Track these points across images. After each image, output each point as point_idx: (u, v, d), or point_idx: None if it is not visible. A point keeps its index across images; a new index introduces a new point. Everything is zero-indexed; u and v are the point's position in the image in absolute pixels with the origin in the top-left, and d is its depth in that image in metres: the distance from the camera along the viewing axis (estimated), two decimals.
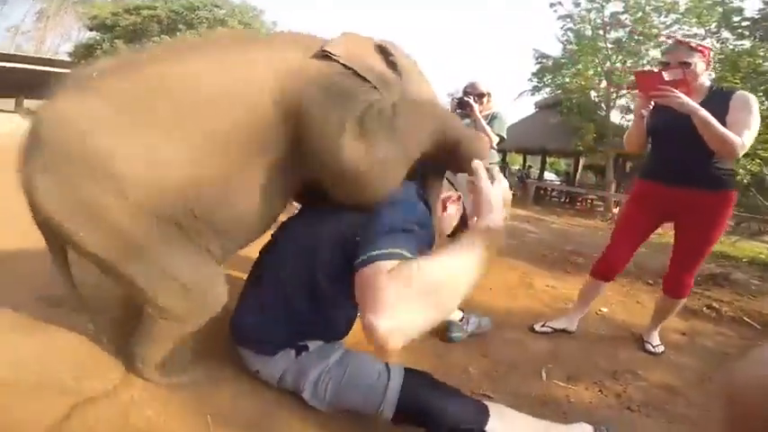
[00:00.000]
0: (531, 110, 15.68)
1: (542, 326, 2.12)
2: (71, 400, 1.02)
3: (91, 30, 11.82)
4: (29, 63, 11.61)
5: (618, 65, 11.44)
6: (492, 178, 0.96)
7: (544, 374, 1.74)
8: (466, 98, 2.62)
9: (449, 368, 1.67)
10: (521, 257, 3.77)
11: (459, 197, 1.29)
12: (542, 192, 13.39)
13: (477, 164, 0.95)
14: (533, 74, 13.36)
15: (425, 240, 0.97)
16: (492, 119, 2.69)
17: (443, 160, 1.15)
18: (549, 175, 17.54)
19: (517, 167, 16.45)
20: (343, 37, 1.12)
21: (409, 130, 1.01)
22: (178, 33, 11.25)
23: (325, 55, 1.02)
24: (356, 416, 1.13)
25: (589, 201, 12.99)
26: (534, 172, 17.72)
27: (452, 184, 1.33)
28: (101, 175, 0.87)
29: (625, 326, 2.37)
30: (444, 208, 1.29)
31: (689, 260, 1.91)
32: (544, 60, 13.01)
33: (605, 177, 12.37)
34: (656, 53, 11.02)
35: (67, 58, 12.00)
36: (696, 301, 2.95)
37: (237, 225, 1.04)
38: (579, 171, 16.43)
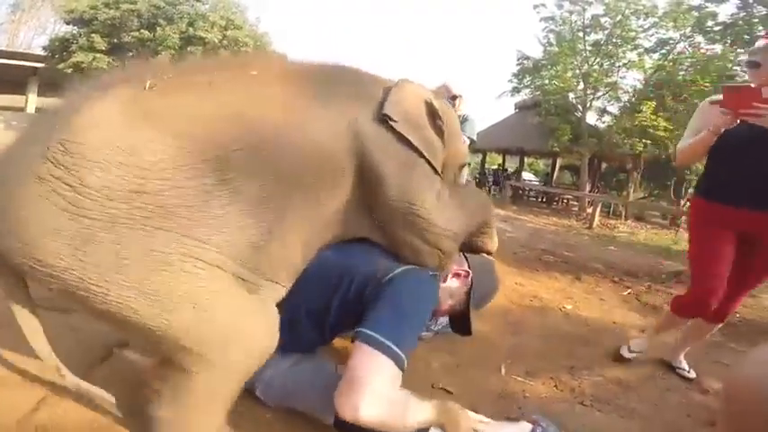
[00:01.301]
0: (511, 110, 15.92)
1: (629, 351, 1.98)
2: (40, 393, 1.05)
3: (68, 23, 11.44)
4: (2, 57, 11.24)
5: (595, 67, 11.72)
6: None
7: (503, 370, 1.81)
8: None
9: (412, 362, 1.70)
10: (492, 255, 3.86)
11: (468, 274, 1.27)
12: (520, 191, 13.65)
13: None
14: (514, 74, 13.59)
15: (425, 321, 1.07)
16: (463, 122, 2.77)
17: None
18: (527, 176, 17.86)
19: (495, 167, 16.71)
20: (400, 93, 1.12)
21: (469, 213, 1.21)
22: (158, 29, 11.02)
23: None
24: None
25: (565, 200, 13.33)
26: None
27: (466, 259, 1.34)
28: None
29: (586, 323, 2.48)
30: (445, 279, 1.28)
31: (747, 287, 1.73)
32: (525, 62, 13.23)
33: (580, 178, 12.71)
34: (632, 55, 11.44)
35: (42, 53, 11.59)
36: (656, 297, 3.10)
37: (289, 266, 1.00)
38: (556, 171, 16.84)
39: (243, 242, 0.85)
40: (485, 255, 1.46)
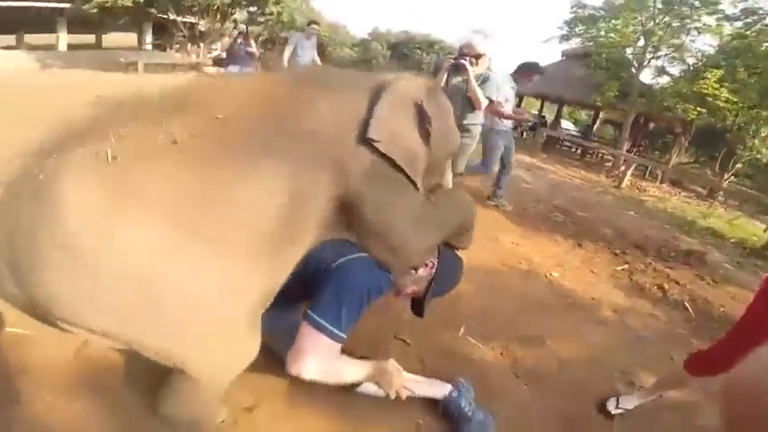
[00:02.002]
0: (557, 58, 14.66)
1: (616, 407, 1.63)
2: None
3: None
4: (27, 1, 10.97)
5: (661, 25, 10.51)
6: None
7: (462, 330, 1.88)
8: (462, 61, 2.58)
9: (384, 311, 1.81)
10: (500, 208, 3.82)
11: (434, 265, 1.35)
12: (555, 140, 12.94)
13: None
14: (566, 22, 12.51)
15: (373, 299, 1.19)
16: (484, 81, 2.67)
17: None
18: (566, 124, 16.70)
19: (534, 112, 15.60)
20: (387, 103, 1.11)
21: (446, 223, 1.28)
22: None
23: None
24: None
25: (600, 155, 12.60)
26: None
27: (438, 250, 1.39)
28: None
29: (565, 295, 2.50)
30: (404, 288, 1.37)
31: None
32: (580, 10, 12.11)
33: (622, 134, 11.89)
34: (710, 20, 10.19)
35: None
36: (649, 276, 3.01)
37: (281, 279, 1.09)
38: (598, 124, 15.77)
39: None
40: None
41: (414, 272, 1.31)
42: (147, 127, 0.88)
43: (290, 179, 0.96)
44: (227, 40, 5.78)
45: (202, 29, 11.41)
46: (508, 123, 3.61)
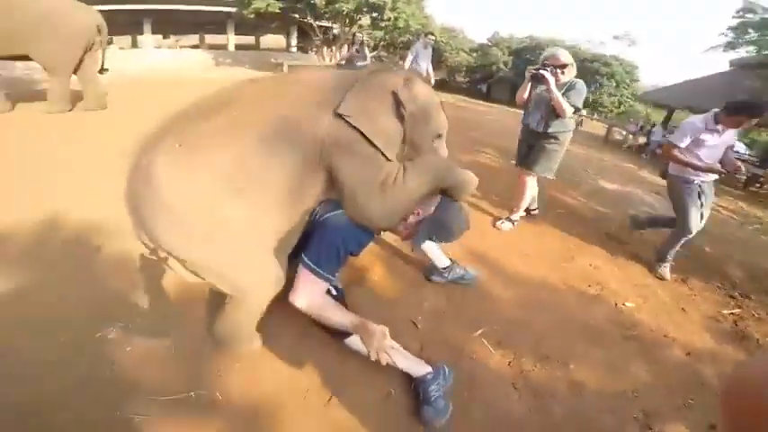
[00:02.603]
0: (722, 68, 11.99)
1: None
2: None
3: None
4: (204, 4, 13.71)
5: None
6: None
7: (480, 332, 1.79)
8: (542, 71, 2.56)
9: (408, 299, 1.99)
10: (590, 227, 3.37)
11: (420, 213, 1.48)
12: None
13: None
14: (731, 28, 10.42)
15: (338, 253, 1.39)
16: (569, 89, 2.59)
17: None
18: (740, 146, 13.35)
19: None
20: (361, 89, 1.34)
21: (415, 188, 1.40)
22: None
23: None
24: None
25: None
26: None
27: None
28: None
29: (634, 326, 2.13)
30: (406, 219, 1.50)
31: None
32: (750, 15, 9.92)
33: None
34: None
35: None
36: (766, 327, 2.32)
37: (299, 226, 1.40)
38: None
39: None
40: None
41: (404, 221, 1.45)
42: (203, 120, 1.24)
43: (291, 153, 1.25)
44: (345, 48, 6.33)
45: (336, 32, 12.70)
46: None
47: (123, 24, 13.83)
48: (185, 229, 1.20)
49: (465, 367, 1.63)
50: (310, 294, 1.36)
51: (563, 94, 2.55)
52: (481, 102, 11.81)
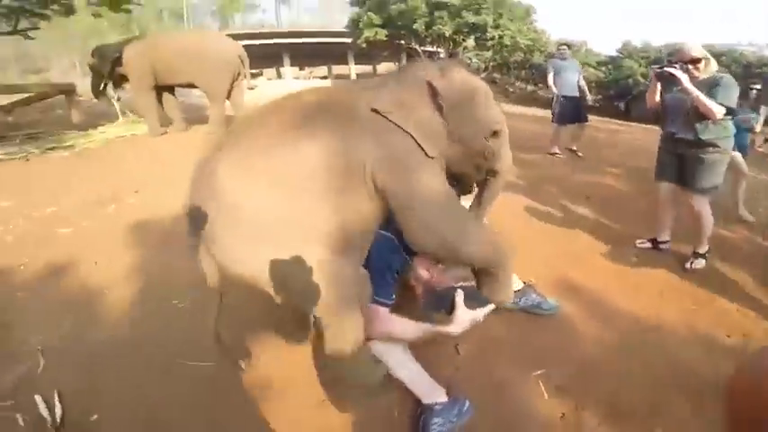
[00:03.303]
0: None
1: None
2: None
3: (352, 5, 13.86)
4: (327, 36, 15.20)
5: None
6: (479, 304, 1.35)
7: (538, 372, 1.52)
8: (668, 68, 2.16)
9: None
10: (752, 267, 2.41)
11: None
12: None
13: (458, 295, 1.35)
14: None
15: (388, 274, 1.40)
16: (714, 86, 2.12)
17: None
18: None
19: None
20: (397, 83, 1.31)
21: (471, 225, 1.38)
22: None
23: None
24: None
25: None
26: None
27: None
28: None
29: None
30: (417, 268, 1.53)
31: None
32: None
33: None
34: None
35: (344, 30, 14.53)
36: None
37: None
38: None
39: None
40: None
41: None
42: (259, 127, 1.25)
43: (329, 151, 1.17)
44: None
45: (441, 56, 12.93)
46: None
47: (268, 58, 16.37)
48: (247, 230, 1.14)
49: (501, 410, 1.36)
50: (378, 324, 1.32)
51: (706, 94, 2.09)
52: (617, 121, 10.39)
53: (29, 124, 5.37)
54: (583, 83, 4.81)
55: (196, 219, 1.19)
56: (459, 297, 1.34)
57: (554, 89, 4.82)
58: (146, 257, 2.27)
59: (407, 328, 1.35)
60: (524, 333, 1.73)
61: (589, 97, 4.90)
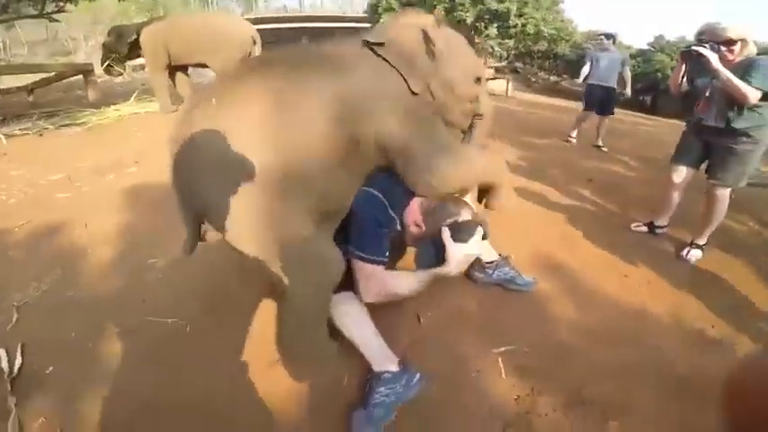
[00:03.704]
0: None
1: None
2: None
3: None
4: (346, 21, 15.08)
5: None
6: (467, 234, 1.41)
7: (501, 350, 1.48)
8: (696, 47, 1.96)
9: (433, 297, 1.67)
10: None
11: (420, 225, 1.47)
12: None
13: (444, 232, 1.41)
14: None
15: (380, 228, 1.37)
16: (748, 68, 1.91)
17: None
18: None
19: None
20: (388, 24, 1.43)
21: (474, 158, 1.54)
22: None
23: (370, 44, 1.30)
24: None
25: None
26: None
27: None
28: None
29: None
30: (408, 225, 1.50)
31: None
32: None
33: None
34: None
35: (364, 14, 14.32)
36: None
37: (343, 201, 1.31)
38: None
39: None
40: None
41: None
42: (236, 81, 1.19)
43: (321, 100, 1.14)
44: None
45: None
46: None
47: (287, 41, 16.42)
48: (224, 180, 1.08)
49: (453, 386, 1.31)
50: (374, 284, 1.32)
51: (739, 77, 1.89)
52: (642, 114, 9.91)
53: (48, 103, 5.56)
54: (628, 74, 4.56)
55: (180, 165, 1.15)
56: (446, 235, 1.40)
57: (581, 78, 4.68)
58: (133, 221, 2.33)
59: (405, 282, 1.39)
60: (494, 308, 1.67)
61: (628, 90, 4.61)
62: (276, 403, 1.25)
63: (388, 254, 1.37)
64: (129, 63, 5.81)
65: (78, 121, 4.68)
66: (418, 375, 1.24)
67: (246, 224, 1.11)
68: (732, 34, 1.95)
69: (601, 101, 4.51)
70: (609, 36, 4.62)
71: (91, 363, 1.40)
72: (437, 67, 1.38)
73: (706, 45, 1.95)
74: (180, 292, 1.74)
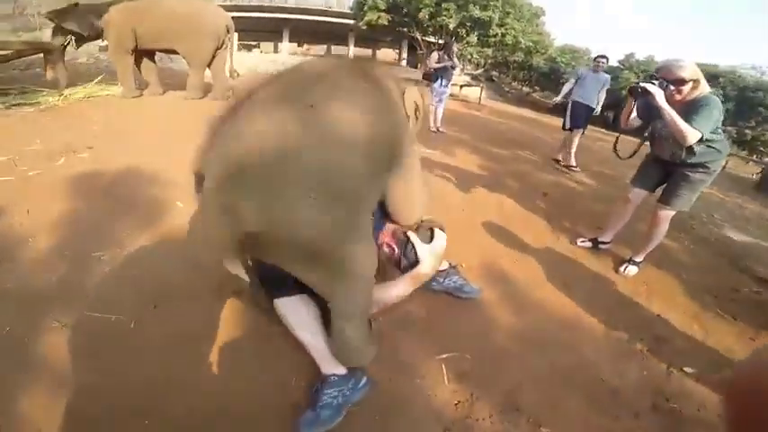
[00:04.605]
0: None
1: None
2: None
3: None
4: (332, 16, 15.04)
5: None
6: (431, 237, 1.53)
7: (444, 369, 1.51)
8: (643, 85, 1.99)
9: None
10: (683, 276, 2.45)
11: (393, 244, 1.55)
12: None
13: (412, 236, 1.51)
14: None
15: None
16: (694, 107, 1.95)
17: None
18: None
19: None
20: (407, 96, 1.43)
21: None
22: None
23: None
24: None
25: None
26: None
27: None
28: None
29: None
30: (380, 246, 1.55)
31: None
32: None
33: None
34: None
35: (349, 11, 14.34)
36: None
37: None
38: None
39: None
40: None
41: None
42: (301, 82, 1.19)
43: (376, 116, 1.18)
44: (435, 54, 5.57)
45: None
46: None
47: (267, 31, 16.08)
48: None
49: (397, 391, 1.36)
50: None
51: (685, 115, 1.93)
52: (603, 131, 10.34)
53: (3, 81, 5.20)
54: (603, 95, 4.72)
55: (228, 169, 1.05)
56: (414, 238, 1.51)
57: (561, 95, 4.81)
58: (80, 209, 2.23)
59: (390, 290, 1.44)
60: (440, 315, 1.74)
61: (598, 108, 4.77)
62: (221, 402, 1.25)
63: None
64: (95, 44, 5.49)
65: (32, 102, 4.40)
66: (365, 379, 1.28)
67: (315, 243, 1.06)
68: (684, 74, 1.96)
69: (580, 118, 4.64)
70: (605, 58, 4.72)
71: (26, 358, 1.34)
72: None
73: (655, 82, 1.99)
74: (125, 287, 1.70)
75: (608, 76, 4.76)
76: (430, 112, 5.66)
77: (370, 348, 1.27)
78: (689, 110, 1.96)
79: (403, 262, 1.53)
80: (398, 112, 1.30)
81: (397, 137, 1.24)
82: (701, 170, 2.11)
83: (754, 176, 8.81)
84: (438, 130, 5.78)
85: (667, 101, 1.95)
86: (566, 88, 4.79)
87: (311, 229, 1.02)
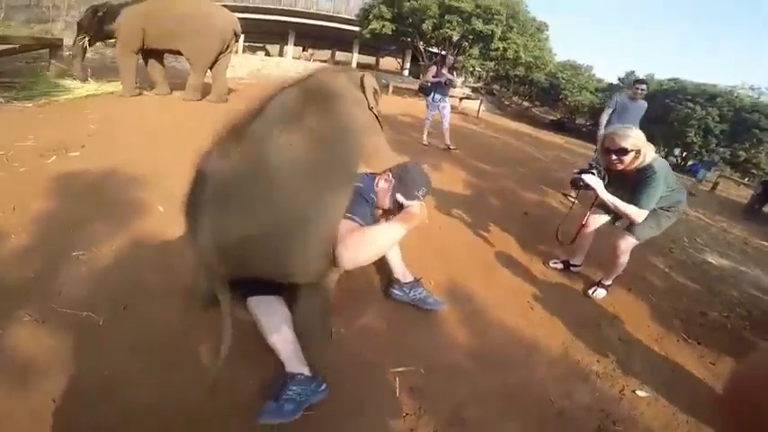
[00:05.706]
0: None
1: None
2: None
3: None
4: (337, 22, 15.26)
5: None
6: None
7: (398, 382, 1.57)
8: (584, 175, 2.06)
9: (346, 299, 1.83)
10: (653, 300, 2.50)
11: (389, 177, 1.57)
12: None
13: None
14: None
15: (366, 200, 1.50)
16: (638, 184, 2.00)
17: None
18: None
19: None
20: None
21: None
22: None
23: None
24: None
25: None
26: None
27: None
28: None
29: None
30: (378, 183, 1.59)
31: None
32: None
33: None
34: None
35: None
36: None
37: None
38: None
39: None
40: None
41: (378, 186, 1.56)
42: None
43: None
44: (432, 68, 5.56)
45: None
46: None
47: (274, 34, 16.25)
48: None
49: (350, 401, 1.41)
50: (356, 235, 1.31)
51: (634, 184, 1.99)
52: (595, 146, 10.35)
53: (7, 73, 5.31)
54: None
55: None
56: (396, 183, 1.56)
57: (601, 126, 4.21)
58: (65, 208, 2.30)
59: (381, 232, 1.40)
60: (401, 328, 1.80)
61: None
62: (179, 399, 1.31)
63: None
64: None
65: (31, 96, 4.49)
66: (324, 385, 1.36)
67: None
68: (627, 144, 1.97)
69: None
70: (645, 83, 4.22)
71: None
72: None
73: (593, 171, 2.06)
74: (99, 286, 1.76)
75: (645, 104, 4.22)
76: (424, 126, 5.74)
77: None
78: (637, 179, 2.02)
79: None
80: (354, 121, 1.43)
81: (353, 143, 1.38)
82: (668, 213, 2.20)
83: (745, 200, 8.88)
84: (449, 147, 5.45)
85: (610, 170, 2.10)
86: (604, 118, 4.25)
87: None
